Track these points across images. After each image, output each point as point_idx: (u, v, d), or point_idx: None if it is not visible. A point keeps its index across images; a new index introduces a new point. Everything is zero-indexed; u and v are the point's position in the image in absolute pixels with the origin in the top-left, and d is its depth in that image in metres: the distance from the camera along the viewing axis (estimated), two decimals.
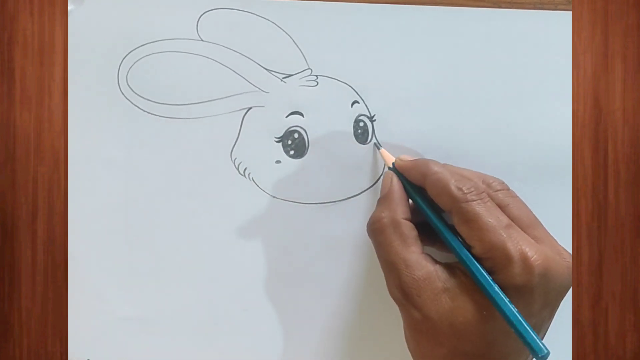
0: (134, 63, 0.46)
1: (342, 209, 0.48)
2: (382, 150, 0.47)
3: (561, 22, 0.50)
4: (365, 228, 0.44)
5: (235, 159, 0.47)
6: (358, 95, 0.48)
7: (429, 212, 0.43)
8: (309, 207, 0.48)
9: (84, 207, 0.47)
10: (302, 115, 0.48)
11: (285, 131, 0.47)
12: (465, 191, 0.41)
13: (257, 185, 0.47)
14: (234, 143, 0.47)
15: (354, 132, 0.48)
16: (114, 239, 0.47)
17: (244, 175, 0.47)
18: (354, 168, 0.48)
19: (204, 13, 0.47)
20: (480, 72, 0.49)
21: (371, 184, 0.48)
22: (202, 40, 0.47)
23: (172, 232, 0.47)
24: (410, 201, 0.45)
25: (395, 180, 0.45)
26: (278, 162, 0.48)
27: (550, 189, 0.50)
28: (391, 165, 0.46)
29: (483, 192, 0.42)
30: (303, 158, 0.48)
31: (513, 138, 0.49)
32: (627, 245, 0.51)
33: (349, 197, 0.48)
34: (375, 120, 0.48)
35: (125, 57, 0.46)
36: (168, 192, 0.47)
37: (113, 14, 0.46)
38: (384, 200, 0.44)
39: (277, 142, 0.47)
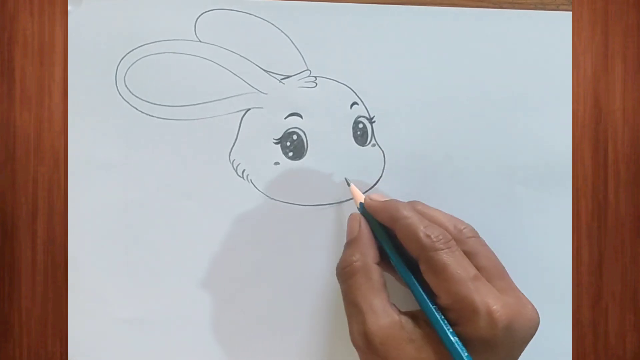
0: (132, 64, 0.46)
1: (340, 211, 0.48)
2: (352, 187, 0.47)
3: (561, 22, 0.49)
4: (335, 269, 0.44)
5: (234, 160, 0.47)
6: (357, 96, 0.48)
7: (394, 258, 0.43)
8: (308, 209, 0.48)
9: (84, 207, 0.47)
10: (301, 116, 0.48)
11: (284, 132, 0.47)
12: (434, 239, 0.40)
13: (256, 187, 0.47)
14: (232, 144, 0.47)
15: (353, 133, 0.48)
16: (114, 239, 0.47)
17: (243, 177, 0.47)
18: (353, 170, 0.48)
19: (202, 14, 0.47)
20: (481, 72, 0.49)
21: (370, 186, 0.48)
22: (200, 41, 0.47)
23: (171, 233, 0.47)
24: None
25: (364, 223, 0.44)
26: (277, 163, 0.47)
27: (550, 189, 0.50)
28: (358, 205, 0.45)
29: (451, 240, 0.41)
30: (302, 160, 0.48)
31: (513, 138, 0.49)
32: (627, 245, 0.51)
33: (348, 199, 0.48)
34: (374, 121, 0.48)
35: (123, 58, 0.46)
36: (167, 193, 0.47)
37: (112, 15, 0.46)
38: (353, 243, 0.44)
39: (276, 143, 0.47)
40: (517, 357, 0.42)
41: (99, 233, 0.47)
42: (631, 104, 0.50)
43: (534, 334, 0.42)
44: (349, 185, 0.47)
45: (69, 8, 0.46)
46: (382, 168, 0.48)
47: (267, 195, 0.48)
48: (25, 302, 0.47)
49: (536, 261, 0.49)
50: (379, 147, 0.48)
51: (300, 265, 0.48)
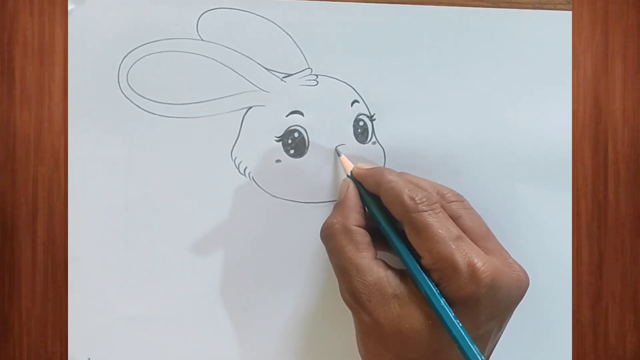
0: (135, 62, 0.46)
1: None
2: (342, 157, 0.47)
3: (561, 22, 0.50)
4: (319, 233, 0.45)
5: (236, 158, 0.47)
6: (358, 94, 0.48)
7: (381, 220, 0.43)
8: (309, 206, 0.48)
9: (84, 207, 0.47)
10: (302, 114, 0.48)
11: (286, 130, 0.47)
12: (417, 201, 0.41)
13: (257, 185, 0.47)
14: (234, 142, 0.47)
15: (354, 131, 0.48)
16: (114, 239, 0.47)
17: (244, 175, 0.47)
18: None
19: (204, 13, 0.47)
20: (480, 71, 0.49)
21: None
22: (202, 39, 0.47)
23: (172, 232, 0.47)
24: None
25: (352, 187, 0.45)
26: (278, 161, 0.48)
27: (550, 189, 0.50)
28: (349, 173, 0.46)
29: (435, 202, 0.42)
30: (303, 157, 0.48)
31: (513, 138, 0.49)
32: (627, 245, 0.51)
33: None
34: (375, 119, 0.48)
35: (126, 56, 0.46)
36: (168, 192, 0.47)
37: (113, 14, 0.46)
38: (338, 206, 0.45)
39: (277, 141, 0.47)
40: (504, 319, 0.42)
41: (99, 232, 0.47)
42: (631, 104, 0.50)
43: (522, 296, 0.42)
44: (339, 155, 0.47)
45: (70, 7, 0.46)
46: (382, 166, 0.48)
47: (268, 193, 0.48)
48: (25, 302, 0.47)
49: (536, 260, 0.49)
50: (380, 144, 0.48)
51: (302, 262, 0.48)
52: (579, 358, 0.50)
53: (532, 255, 0.49)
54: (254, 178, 0.47)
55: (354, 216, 0.43)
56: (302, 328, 0.49)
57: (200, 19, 0.47)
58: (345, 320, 0.47)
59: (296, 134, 0.48)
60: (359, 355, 0.44)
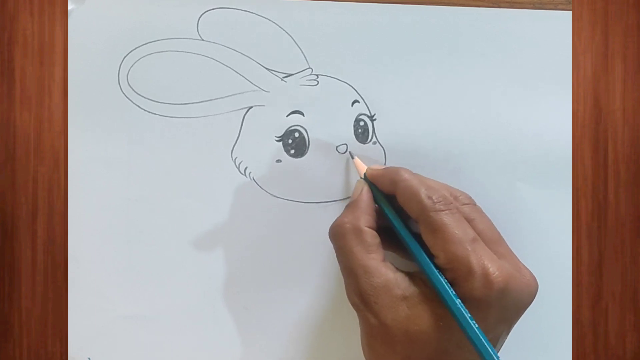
0: (135, 62, 0.46)
1: (342, 208, 0.48)
2: (356, 159, 0.47)
3: (561, 22, 0.50)
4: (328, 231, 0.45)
5: (236, 158, 0.47)
6: (358, 94, 0.48)
7: (394, 220, 0.43)
8: (309, 206, 0.48)
9: (84, 207, 0.47)
10: (303, 114, 0.48)
11: (286, 130, 0.48)
12: (435, 200, 0.41)
13: (258, 185, 0.47)
14: (234, 142, 0.47)
15: (354, 131, 0.48)
16: (114, 239, 0.47)
17: (245, 175, 0.47)
18: (354, 167, 0.48)
19: (204, 12, 0.47)
20: (480, 71, 0.49)
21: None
22: (202, 39, 0.47)
23: (172, 232, 0.47)
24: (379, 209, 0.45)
25: (366, 189, 0.45)
26: (278, 161, 0.48)
27: (550, 189, 0.50)
28: (363, 176, 0.46)
29: (452, 203, 0.42)
30: (303, 157, 0.48)
31: (513, 138, 0.49)
32: (627, 245, 0.51)
33: (349, 197, 0.48)
34: (375, 119, 0.48)
35: (126, 56, 0.46)
36: (168, 192, 0.47)
37: (113, 14, 0.46)
38: (350, 206, 0.44)
39: (278, 141, 0.48)
40: (512, 323, 0.42)
41: (99, 232, 0.47)
42: (631, 104, 0.50)
43: (530, 301, 0.42)
44: (352, 157, 0.48)
45: (70, 7, 0.46)
46: (383, 165, 0.48)
47: (269, 193, 0.48)
48: (25, 302, 0.47)
49: (536, 259, 0.49)
50: (380, 144, 0.48)
51: (302, 262, 0.48)
52: (579, 358, 0.50)
53: (532, 255, 0.49)
54: (255, 178, 0.47)
55: (365, 217, 0.43)
56: (303, 327, 0.49)
57: (201, 18, 0.47)
58: (347, 321, 0.47)
59: (296, 134, 0.48)
60: (362, 356, 0.44)
